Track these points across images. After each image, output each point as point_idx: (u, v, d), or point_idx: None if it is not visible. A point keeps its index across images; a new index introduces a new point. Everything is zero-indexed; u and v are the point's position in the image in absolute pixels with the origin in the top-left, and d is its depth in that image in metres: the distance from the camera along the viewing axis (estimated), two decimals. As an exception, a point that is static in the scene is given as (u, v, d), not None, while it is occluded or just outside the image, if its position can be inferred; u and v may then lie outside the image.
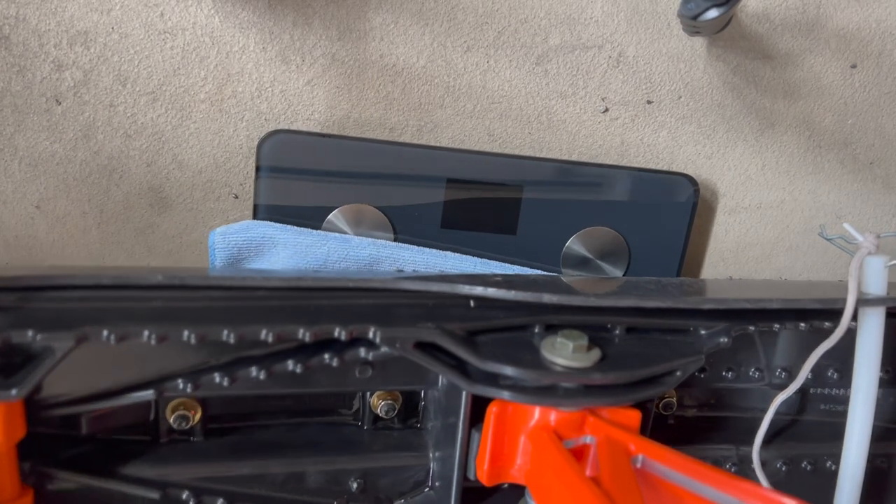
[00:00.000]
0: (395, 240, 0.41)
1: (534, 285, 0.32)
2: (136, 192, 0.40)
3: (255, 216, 0.39)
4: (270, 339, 0.28)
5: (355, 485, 0.33)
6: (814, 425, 0.39)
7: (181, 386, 0.29)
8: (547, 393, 0.29)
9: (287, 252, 0.38)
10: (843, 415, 0.38)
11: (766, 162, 0.46)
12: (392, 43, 0.40)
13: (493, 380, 0.30)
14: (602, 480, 0.26)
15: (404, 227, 0.41)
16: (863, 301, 0.33)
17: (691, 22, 0.37)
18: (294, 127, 0.40)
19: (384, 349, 0.30)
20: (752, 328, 0.34)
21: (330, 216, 0.40)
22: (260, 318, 0.28)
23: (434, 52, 0.40)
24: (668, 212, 0.42)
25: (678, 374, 0.31)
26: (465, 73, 0.41)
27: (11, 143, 0.38)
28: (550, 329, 0.32)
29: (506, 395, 0.29)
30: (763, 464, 0.36)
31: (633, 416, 0.31)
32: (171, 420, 0.32)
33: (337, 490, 0.33)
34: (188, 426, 0.32)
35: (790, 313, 0.34)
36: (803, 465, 0.38)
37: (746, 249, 0.47)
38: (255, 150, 0.39)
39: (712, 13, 0.36)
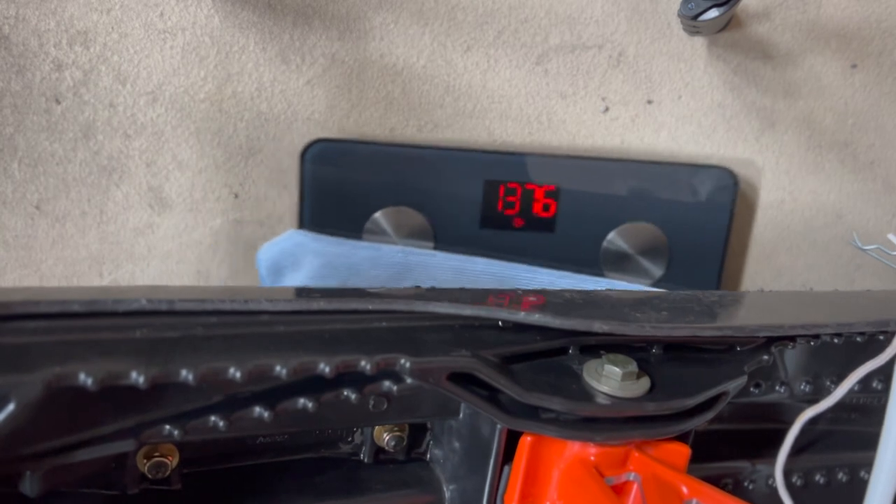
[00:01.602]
0: (434, 241, 0.41)
1: (575, 307, 0.29)
2: (136, 192, 0.40)
3: (301, 223, 0.40)
4: (285, 374, 0.24)
5: None
6: (827, 435, 0.37)
7: (167, 431, 0.24)
8: (593, 426, 0.26)
9: (319, 261, 0.39)
10: (859, 423, 0.37)
11: (766, 162, 0.46)
12: (392, 43, 0.40)
13: (534, 413, 0.26)
14: None
15: (443, 228, 0.41)
16: None
17: (691, 22, 0.37)
18: (293, 127, 0.40)
19: (410, 381, 0.25)
20: (791, 345, 0.31)
21: (371, 219, 0.41)
22: (267, 348, 0.24)
23: (434, 52, 0.40)
24: (707, 205, 0.42)
25: (724, 397, 0.29)
26: (465, 72, 0.41)
27: (11, 143, 0.38)
28: (586, 351, 0.29)
29: (551, 430, 0.26)
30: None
31: (682, 452, 0.28)
32: (146, 468, 0.26)
33: None
34: (165, 474, 0.27)
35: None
36: (817, 479, 0.36)
37: (746, 249, 0.47)
38: (298, 158, 0.39)
39: (712, 13, 0.36)
